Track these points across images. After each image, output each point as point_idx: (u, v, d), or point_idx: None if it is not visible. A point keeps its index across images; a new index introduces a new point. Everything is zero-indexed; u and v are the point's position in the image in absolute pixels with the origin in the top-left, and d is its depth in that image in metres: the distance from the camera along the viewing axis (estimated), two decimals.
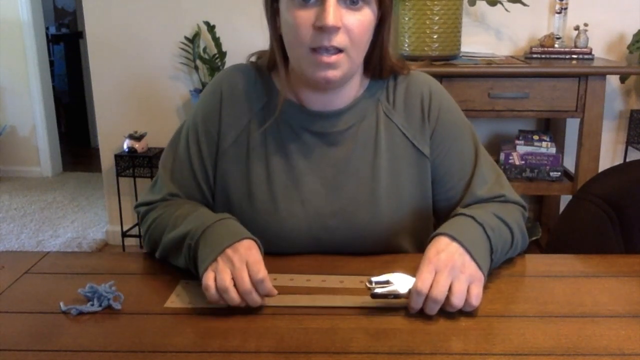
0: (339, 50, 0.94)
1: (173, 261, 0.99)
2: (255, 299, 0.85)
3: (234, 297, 0.84)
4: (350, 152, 1.05)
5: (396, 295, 0.85)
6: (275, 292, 0.87)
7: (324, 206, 1.04)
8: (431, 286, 0.83)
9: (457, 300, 0.83)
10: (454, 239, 0.89)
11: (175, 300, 0.90)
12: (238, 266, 0.85)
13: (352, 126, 1.06)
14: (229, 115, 1.07)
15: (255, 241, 0.90)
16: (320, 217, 1.04)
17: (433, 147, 1.07)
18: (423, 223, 1.09)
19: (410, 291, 0.84)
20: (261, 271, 0.85)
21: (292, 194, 1.04)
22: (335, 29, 0.92)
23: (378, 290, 0.85)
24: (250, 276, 0.84)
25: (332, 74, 0.96)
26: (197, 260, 0.91)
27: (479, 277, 0.86)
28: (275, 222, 1.02)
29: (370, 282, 0.85)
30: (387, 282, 0.85)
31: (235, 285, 0.84)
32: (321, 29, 0.92)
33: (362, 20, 0.95)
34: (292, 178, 1.05)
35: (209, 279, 0.85)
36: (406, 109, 1.07)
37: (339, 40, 0.93)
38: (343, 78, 0.98)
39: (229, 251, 0.87)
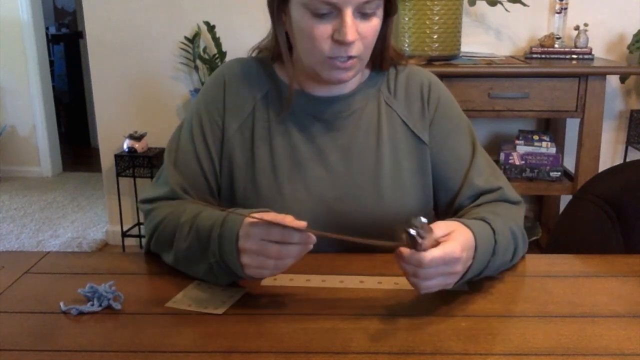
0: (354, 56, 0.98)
1: (193, 273, 0.96)
2: (293, 251, 0.82)
3: (283, 263, 0.83)
4: (354, 138, 1.07)
5: (412, 240, 0.80)
6: (304, 224, 0.82)
7: (328, 191, 1.05)
8: (427, 277, 0.81)
9: (423, 290, 0.83)
10: (475, 250, 0.87)
11: (178, 301, 0.89)
12: (258, 248, 0.83)
13: (354, 112, 1.08)
14: (233, 102, 1.08)
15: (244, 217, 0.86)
16: (325, 202, 1.05)
17: (431, 136, 1.09)
18: (425, 212, 1.09)
19: (413, 247, 0.80)
20: (277, 233, 0.81)
21: (296, 180, 1.06)
22: (352, 42, 0.95)
23: (411, 232, 0.79)
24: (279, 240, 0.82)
25: (346, 75, 1.00)
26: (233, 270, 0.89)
27: (447, 287, 0.85)
28: (279, 208, 1.02)
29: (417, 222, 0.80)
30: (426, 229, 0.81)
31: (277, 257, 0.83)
32: (339, 42, 0.95)
33: (373, 27, 0.98)
34: (296, 163, 1.06)
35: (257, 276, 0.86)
36: (407, 98, 1.10)
37: (356, 49, 0.97)
38: (354, 76, 1.03)
39: (241, 246, 0.84)
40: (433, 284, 0.83)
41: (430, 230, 0.82)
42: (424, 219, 0.80)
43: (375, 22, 0.98)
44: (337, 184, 1.06)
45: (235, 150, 1.07)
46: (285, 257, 0.83)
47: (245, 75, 1.09)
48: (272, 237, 0.82)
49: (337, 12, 0.94)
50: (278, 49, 1.05)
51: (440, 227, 0.85)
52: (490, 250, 0.91)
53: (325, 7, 0.93)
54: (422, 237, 0.80)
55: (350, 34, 0.93)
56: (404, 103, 1.10)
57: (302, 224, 0.81)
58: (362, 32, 0.96)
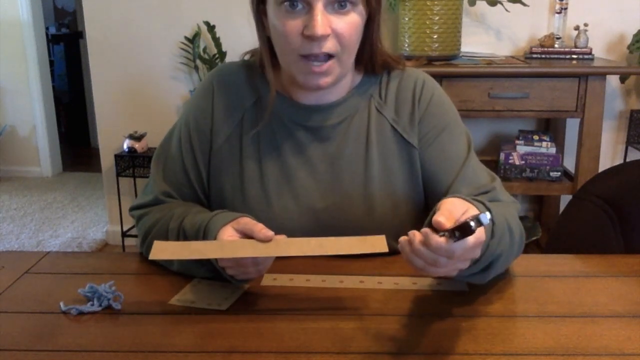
0: (330, 56, 0.95)
1: (194, 273, 0.97)
2: (265, 257, 0.89)
3: (263, 267, 0.90)
4: (342, 147, 1.06)
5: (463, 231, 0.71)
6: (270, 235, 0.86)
7: (317, 202, 1.05)
8: (448, 265, 0.75)
9: (434, 275, 0.78)
10: (492, 236, 0.83)
11: (181, 298, 0.90)
12: (234, 264, 0.88)
13: (343, 120, 1.06)
14: (222, 112, 1.07)
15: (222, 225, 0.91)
16: (314, 212, 1.04)
17: (421, 136, 1.06)
18: (416, 219, 1.08)
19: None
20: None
21: (284, 190, 1.05)
22: (324, 37, 0.92)
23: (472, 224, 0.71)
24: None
25: (323, 81, 0.97)
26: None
27: (451, 274, 0.80)
28: (268, 218, 1.02)
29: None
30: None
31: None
32: (310, 38, 0.92)
33: (350, 23, 0.95)
34: (285, 174, 1.05)
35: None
36: (397, 102, 1.07)
37: (329, 46, 0.94)
38: (334, 82, 0.99)
39: (220, 264, 0.89)
40: (448, 271, 0.77)
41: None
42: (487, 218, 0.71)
43: (352, 19, 0.95)
44: (326, 194, 1.05)
45: (223, 161, 1.07)
46: (261, 263, 0.88)
47: (234, 83, 1.08)
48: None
49: (308, 7, 0.92)
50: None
51: (456, 206, 0.78)
52: (490, 235, 0.85)
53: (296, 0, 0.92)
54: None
55: (320, 28, 0.91)
56: (393, 107, 1.07)
57: (269, 235, 0.86)
58: (336, 28, 0.93)
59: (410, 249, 0.76)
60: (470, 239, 0.73)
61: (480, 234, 0.75)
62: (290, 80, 1.04)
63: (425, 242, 0.74)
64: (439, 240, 0.73)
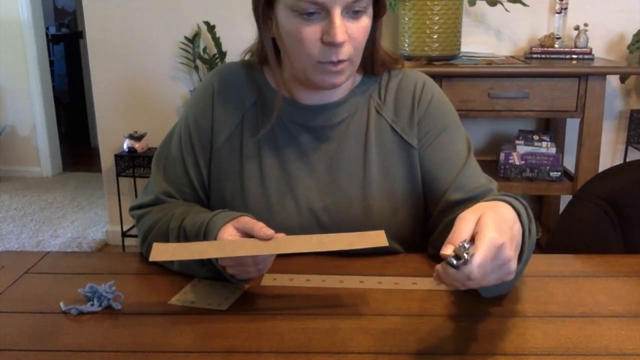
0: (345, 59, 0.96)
1: (195, 273, 0.97)
2: (266, 256, 0.88)
3: (263, 266, 0.90)
4: (342, 147, 1.06)
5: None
6: (271, 233, 0.86)
7: (316, 201, 1.05)
8: (482, 281, 0.71)
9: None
10: (519, 216, 0.80)
11: (181, 298, 0.90)
12: (235, 263, 0.88)
13: (343, 120, 1.07)
14: (222, 112, 1.07)
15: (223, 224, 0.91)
16: (313, 212, 1.05)
17: (420, 136, 1.06)
18: (415, 219, 1.08)
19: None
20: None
21: (284, 190, 1.05)
22: (343, 44, 0.93)
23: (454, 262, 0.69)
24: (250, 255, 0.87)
25: (339, 80, 0.97)
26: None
27: (508, 278, 0.75)
28: (267, 218, 1.02)
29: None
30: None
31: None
32: (329, 44, 0.92)
33: (362, 27, 0.95)
34: (285, 173, 1.06)
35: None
36: (396, 103, 1.08)
37: (346, 51, 0.94)
38: (346, 80, 1.00)
39: (220, 263, 0.90)
40: (490, 281, 0.72)
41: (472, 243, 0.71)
42: (466, 244, 0.69)
43: (365, 22, 0.95)
44: (325, 194, 1.05)
45: (224, 161, 1.07)
46: (261, 262, 0.88)
47: (234, 83, 1.08)
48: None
49: (325, 13, 0.92)
50: (265, 53, 1.04)
51: (468, 219, 0.73)
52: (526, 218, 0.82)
53: (312, 7, 0.91)
54: (465, 258, 0.69)
55: (340, 35, 0.91)
56: (392, 108, 1.07)
57: (270, 234, 0.86)
58: (351, 33, 0.94)
59: (442, 279, 0.72)
60: (476, 260, 0.68)
61: (488, 242, 0.70)
62: (293, 79, 1.04)
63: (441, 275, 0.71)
64: (446, 271, 0.70)
